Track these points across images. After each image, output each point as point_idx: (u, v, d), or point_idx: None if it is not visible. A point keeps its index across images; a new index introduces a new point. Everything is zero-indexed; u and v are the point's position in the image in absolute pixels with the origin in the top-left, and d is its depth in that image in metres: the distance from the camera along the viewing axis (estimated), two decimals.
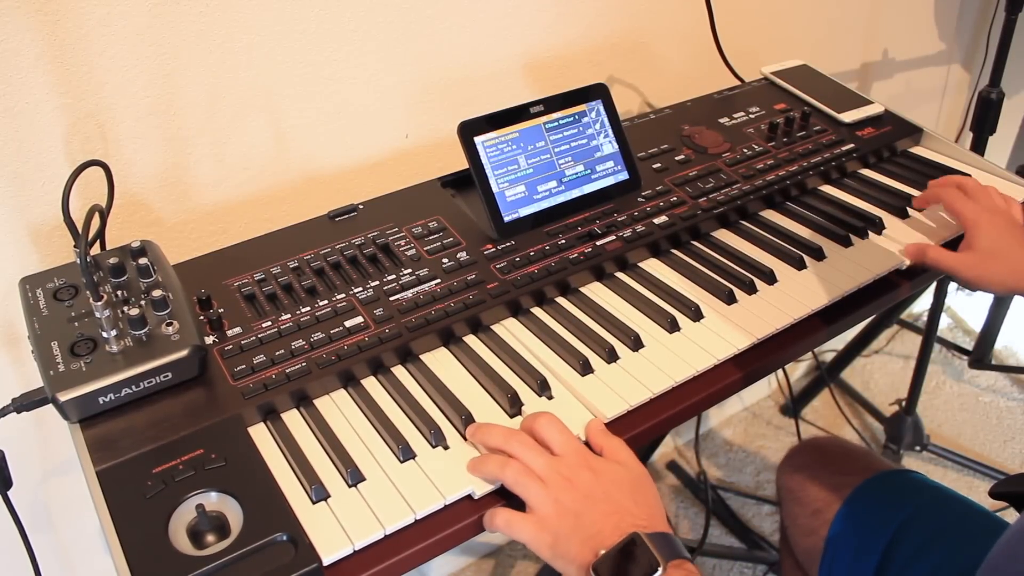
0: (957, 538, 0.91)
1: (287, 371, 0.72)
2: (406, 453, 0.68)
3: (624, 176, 0.97)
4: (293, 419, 0.72)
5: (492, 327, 0.82)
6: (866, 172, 1.09)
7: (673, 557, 0.60)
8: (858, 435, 1.94)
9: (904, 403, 1.84)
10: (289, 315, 0.78)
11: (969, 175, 1.05)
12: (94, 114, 0.85)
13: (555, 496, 0.63)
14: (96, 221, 0.75)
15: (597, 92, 0.96)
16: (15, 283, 0.78)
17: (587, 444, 0.70)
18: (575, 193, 0.94)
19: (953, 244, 0.90)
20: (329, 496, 0.64)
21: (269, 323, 0.77)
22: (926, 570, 0.89)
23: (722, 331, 0.81)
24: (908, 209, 0.99)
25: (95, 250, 0.81)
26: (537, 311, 0.84)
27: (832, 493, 1.01)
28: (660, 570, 0.59)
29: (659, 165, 1.02)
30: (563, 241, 0.89)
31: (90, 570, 1.12)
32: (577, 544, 0.62)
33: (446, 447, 0.69)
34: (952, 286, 2.13)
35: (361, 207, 0.92)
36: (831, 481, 1.03)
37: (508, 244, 0.88)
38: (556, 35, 1.16)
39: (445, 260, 0.85)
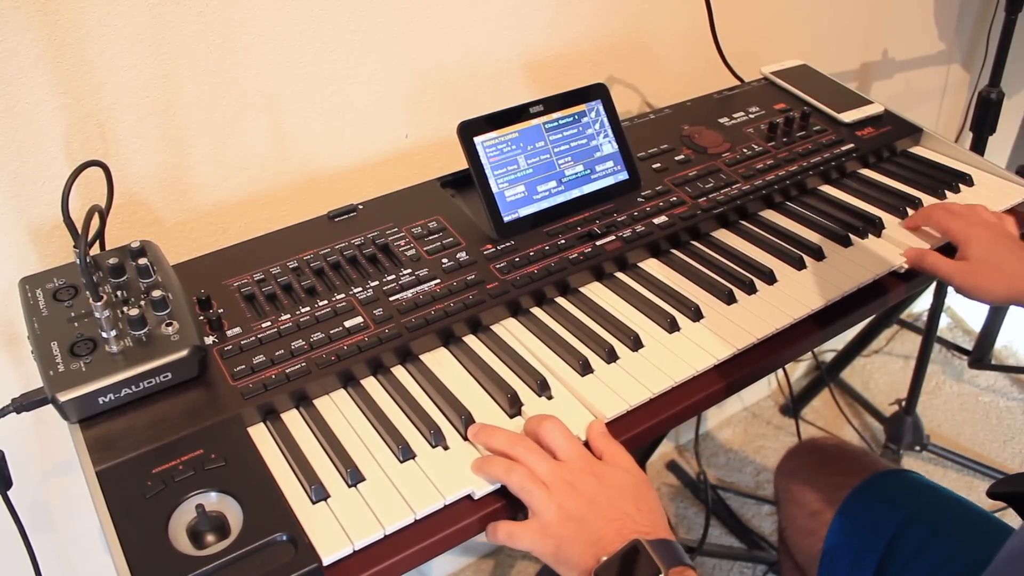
0: (955, 539, 0.91)
1: (287, 371, 0.72)
2: (406, 453, 0.68)
3: (624, 176, 0.97)
4: (293, 419, 0.72)
5: (492, 327, 0.82)
6: (866, 172, 1.09)
7: (675, 564, 0.60)
8: (858, 435, 1.94)
9: (904, 403, 1.84)
10: (289, 315, 0.78)
11: (969, 175, 1.06)
12: (94, 114, 0.85)
13: (559, 502, 0.63)
14: (96, 221, 0.75)
15: (597, 92, 0.96)
16: (15, 283, 0.78)
17: (587, 445, 0.70)
18: (575, 193, 0.94)
19: (952, 249, 0.90)
20: (329, 496, 0.64)
21: (269, 323, 0.77)
22: (925, 570, 0.89)
23: (722, 331, 0.81)
24: (908, 210, 0.99)
25: (95, 250, 0.81)
26: (537, 311, 0.84)
27: (830, 494, 1.01)
28: None
29: (659, 165, 1.02)
30: (563, 241, 0.89)
31: (90, 570, 1.12)
32: (580, 549, 0.62)
33: (446, 447, 0.69)
34: None
35: (361, 207, 0.92)
36: (829, 482, 1.03)
37: (508, 244, 0.88)
38: (555, 35, 1.16)
39: (445, 260, 0.85)
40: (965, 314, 2.27)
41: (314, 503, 0.64)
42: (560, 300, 0.86)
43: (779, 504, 1.11)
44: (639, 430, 0.73)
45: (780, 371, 1.81)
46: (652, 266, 0.91)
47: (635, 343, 0.79)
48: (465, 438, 0.70)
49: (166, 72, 0.88)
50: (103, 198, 0.80)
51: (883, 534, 0.94)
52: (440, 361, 0.78)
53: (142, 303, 0.74)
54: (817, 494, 1.03)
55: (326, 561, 0.60)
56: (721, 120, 1.12)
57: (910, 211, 0.99)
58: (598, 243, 0.89)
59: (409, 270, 0.84)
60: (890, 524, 0.94)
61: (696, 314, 0.83)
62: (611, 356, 0.78)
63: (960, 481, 1.82)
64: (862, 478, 1.00)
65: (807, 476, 1.06)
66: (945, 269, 0.87)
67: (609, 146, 0.96)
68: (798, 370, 2.11)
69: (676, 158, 1.03)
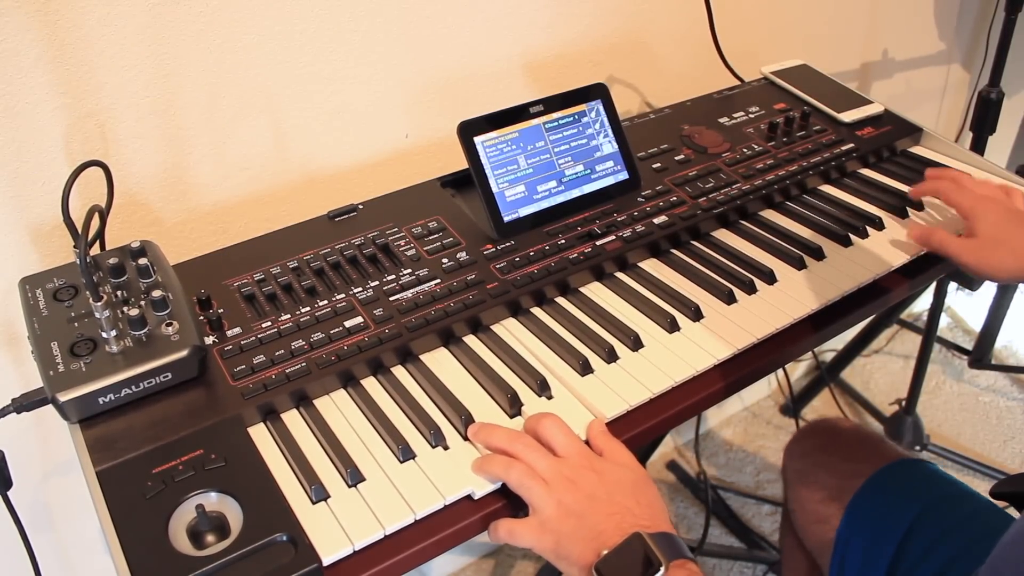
0: (971, 532, 0.90)
1: (287, 371, 0.72)
2: (406, 453, 0.68)
3: (624, 176, 0.97)
4: (293, 419, 0.72)
5: (492, 327, 0.82)
6: (866, 172, 1.09)
7: (675, 557, 0.60)
8: None
9: (904, 403, 1.84)
10: (289, 315, 0.78)
11: (969, 175, 1.05)
12: (94, 114, 0.85)
13: (558, 498, 0.64)
14: (96, 221, 0.75)
15: (597, 92, 0.96)
16: (15, 283, 0.78)
17: (587, 444, 0.70)
18: (575, 193, 0.94)
19: None
20: (329, 496, 0.64)
21: (269, 323, 0.77)
22: (940, 564, 0.89)
23: (722, 331, 0.81)
24: (908, 209, 0.99)
25: (95, 250, 0.81)
26: (537, 311, 0.84)
27: (844, 480, 0.99)
28: (662, 570, 0.59)
29: (659, 165, 1.02)
30: (563, 241, 0.89)
31: (90, 570, 1.12)
32: (580, 545, 0.62)
33: (446, 447, 0.69)
34: (952, 285, 2.13)
35: (361, 207, 0.92)
36: (843, 467, 1.01)
37: (508, 244, 0.88)
38: (555, 35, 1.16)
39: (445, 260, 0.85)
40: (965, 314, 2.27)
41: (314, 503, 0.64)
42: (560, 300, 0.86)
43: (787, 486, 1.09)
44: (639, 430, 0.73)
45: (780, 371, 1.81)
46: (652, 266, 0.91)
47: (635, 343, 0.79)
48: (465, 438, 0.70)
49: (166, 72, 0.88)
50: (103, 198, 0.80)
51: (899, 525, 0.93)
52: (440, 361, 0.78)
53: (142, 303, 0.74)
54: (831, 479, 1.01)
55: (326, 561, 0.60)
56: (721, 120, 1.12)
57: (910, 211, 0.99)
58: (598, 243, 0.89)
59: (409, 270, 0.84)
60: (906, 515, 0.93)
61: (696, 314, 0.83)
62: (611, 356, 0.78)
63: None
64: (878, 466, 0.99)
65: (819, 459, 1.04)
66: (953, 247, 0.86)
67: (609, 146, 0.96)
68: (798, 370, 2.11)
69: (676, 158, 1.03)
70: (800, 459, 1.07)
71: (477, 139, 0.89)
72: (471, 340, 0.81)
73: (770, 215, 1.00)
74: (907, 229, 0.92)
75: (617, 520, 0.63)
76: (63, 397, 0.66)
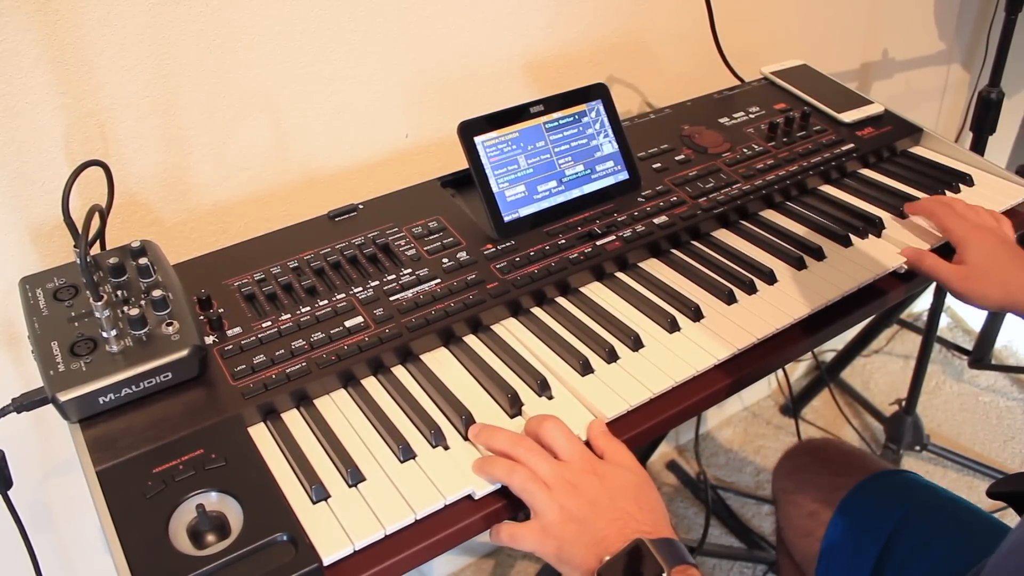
0: (952, 538, 0.91)
1: (287, 371, 0.72)
2: (406, 453, 0.68)
3: (624, 176, 0.97)
4: (293, 419, 0.72)
5: (492, 327, 0.82)
6: (866, 172, 1.09)
7: (677, 563, 0.60)
8: (858, 435, 1.94)
9: (904, 403, 1.84)
10: (289, 315, 0.78)
11: (969, 175, 1.06)
12: (94, 114, 0.85)
13: (560, 502, 0.64)
14: (96, 221, 0.75)
15: (597, 92, 0.96)
16: (15, 283, 0.78)
17: (588, 444, 0.70)
18: (575, 193, 0.94)
19: (950, 249, 0.90)
20: (329, 496, 0.64)
21: (269, 323, 0.77)
22: (922, 570, 0.89)
23: (722, 331, 0.81)
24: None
25: (95, 250, 0.81)
26: (537, 311, 0.84)
27: (828, 494, 1.01)
28: None
29: (659, 165, 1.02)
30: (563, 241, 0.89)
31: (90, 570, 1.12)
32: (582, 550, 0.62)
33: (446, 447, 0.69)
34: None
35: (361, 207, 0.92)
36: (827, 482, 1.03)
37: (508, 244, 0.88)
38: (555, 35, 1.16)
39: (445, 260, 0.85)
40: (965, 314, 2.27)
41: (314, 503, 0.64)
42: (560, 300, 0.86)
43: (777, 505, 1.11)
44: (639, 430, 0.73)
45: (780, 371, 1.81)
46: (652, 266, 0.91)
47: (635, 343, 0.79)
48: (465, 438, 0.70)
49: (166, 72, 0.88)
50: (103, 198, 0.80)
51: (880, 533, 0.94)
52: (440, 361, 0.78)
53: (142, 303, 0.74)
54: (815, 494, 1.02)
55: (326, 561, 0.60)
56: (721, 120, 1.12)
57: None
58: (598, 243, 0.89)
59: (409, 270, 0.84)
60: (887, 523, 0.94)
61: (696, 314, 0.83)
62: (611, 356, 0.78)
63: (960, 481, 1.82)
64: (860, 478, 1.00)
65: (805, 477, 1.06)
66: (943, 272, 0.87)
67: (609, 146, 0.96)
68: (798, 370, 2.11)
69: (676, 158, 1.03)
70: (787, 478, 1.09)
71: (477, 139, 0.89)
72: (471, 340, 0.81)
73: (770, 215, 1.00)
74: (901, 249, 0.91)
75: (619, 526, 0.63)
76: (63, 397, 0.66)
